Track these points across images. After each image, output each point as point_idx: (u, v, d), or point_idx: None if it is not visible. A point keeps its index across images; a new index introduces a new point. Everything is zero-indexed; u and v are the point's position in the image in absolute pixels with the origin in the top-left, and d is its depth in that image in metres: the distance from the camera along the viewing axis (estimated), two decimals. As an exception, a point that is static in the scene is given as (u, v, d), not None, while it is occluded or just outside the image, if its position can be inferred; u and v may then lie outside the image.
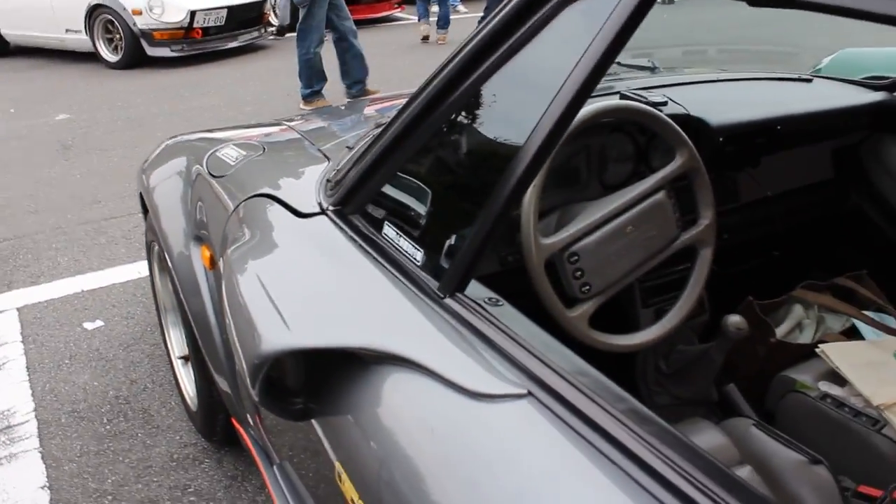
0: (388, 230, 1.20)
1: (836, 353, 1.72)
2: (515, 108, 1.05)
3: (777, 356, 1.85)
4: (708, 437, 1.24)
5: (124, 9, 7.86)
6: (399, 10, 10.89)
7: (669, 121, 1.51)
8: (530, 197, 1.35)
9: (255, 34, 8.97)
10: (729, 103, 1.91)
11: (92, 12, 8.08)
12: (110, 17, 7.98)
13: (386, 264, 1.15)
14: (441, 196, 1.14)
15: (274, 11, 9.62)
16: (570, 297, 1.42)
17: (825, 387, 1.68)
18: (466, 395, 0.88)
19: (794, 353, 1.82)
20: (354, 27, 6.18)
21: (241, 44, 8.77)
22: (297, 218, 1.38)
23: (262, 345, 1.01)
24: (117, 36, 8.07)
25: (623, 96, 1.67)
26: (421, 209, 1.15)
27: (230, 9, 8.37)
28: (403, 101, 1.22)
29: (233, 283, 1.18)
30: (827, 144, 2.11)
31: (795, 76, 2.14)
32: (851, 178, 2.16)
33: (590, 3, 0.93)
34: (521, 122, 0.97)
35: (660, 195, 1.50)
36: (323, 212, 1.36)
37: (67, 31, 8.39)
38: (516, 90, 1.05)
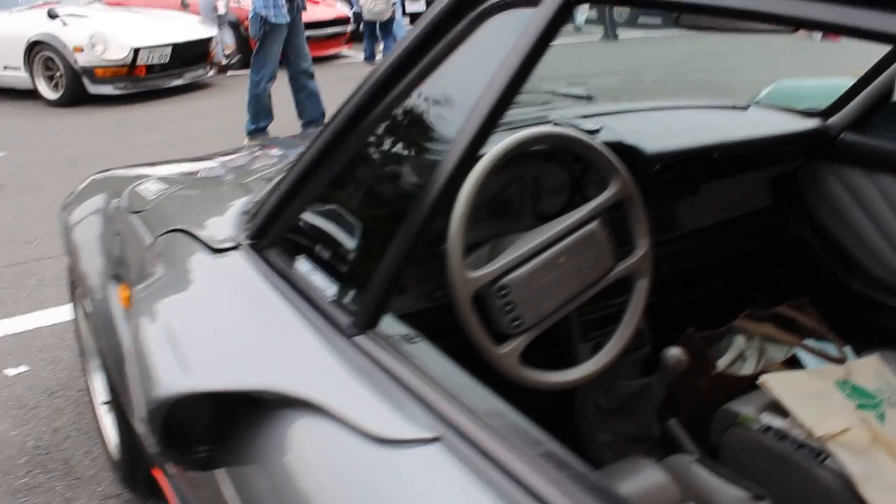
0: (302, 264, 1.13)
1: (778, 384, 1.69)
2: (430, 129, 1.00)
3: (719, 389, 1.81)
4: (649, 477, 1.19)
5: (65, 46, 7.69)
6: (347, 47, 10.91)
7: (602, 148, 1.47)
8: (456, 228, 1.29)
9: (201, 72, 8.85)
10: (664, 131, 1.89)
11: (31, 49, 7.89)
12: (50, 54, 7.80)
13: (297, 300, 1.08)
14: (355, 226, 1.07)
15: (221, 50, 9.54)
16: (500, 333, 1.36)
17: (767, 419, 1.64)
18: (373, 440, 0.81)
19: (736, 384, 1.78)
20: (312, 68, 6.17)
21: (186, 81, 8.64)
22: (210, 254, 1.30)
23: (158, 388, 0.94)
24: (58, 73, 7.88)
25: (557, 125, 1.63)
26: (335, 241, 1.09)
27: (175, 46, 8.26)
28: None
29: (136, 324, 1.10)
30: (764, 172, 2.10)
31: (731, 105, 2.14)
32: (790, 205, 2.16)
33: (504, 18, 0.88)
34: (436, 143, 0.92)
35: (593, 225, 1.45)
36: (236, 247, 1.28)
37: (5, 67, 8.16)
38: (432, 110, 1.00)
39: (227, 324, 1.08)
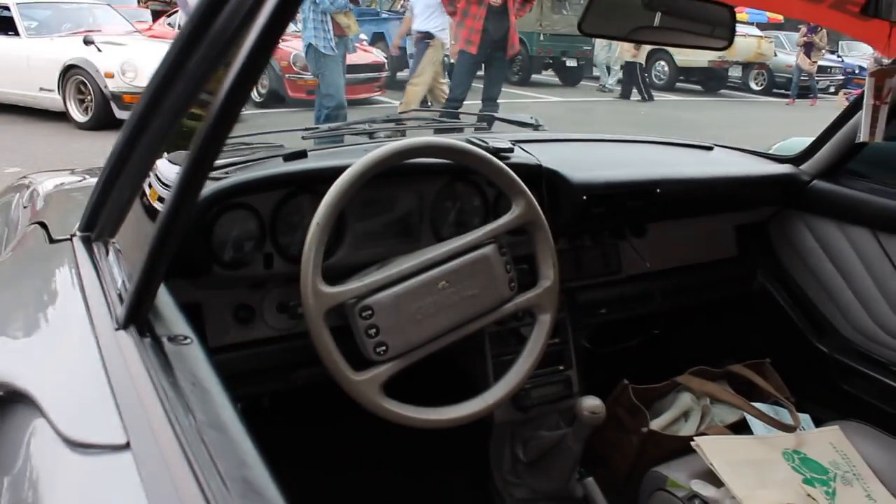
0: (112, 254, 1.00)
1: (713, 448, 1.52)
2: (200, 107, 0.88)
3: (652, 448, 1.63)
4: None
5: (97, 70, 7.83)
6: (380, 93, 10.98)
7: (500, 165, 1.32)
8: (313, 237, 1.16)
9: (231, 105, 8.95)
10: (604, 162, 1.74)
11: (66, 72, 8.07)
12: (83, 78, 7.96)
13: (95, 291, 0.95)
14: (145, 214, 0.95)
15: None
16: (365, 360, 1.21)
17: (698, 486, 1.47)
18: (63, 441, 0.70)
19: (673, 445, 1.60)
20: (345, 109, 6.26)
21: (213, 113, 8.74)
22: (47, 243, 1.19)
23: None
24: (88, 97, 8.02)
25: (469, 142, 1.49)
26: (136, 229, 0.96)
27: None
28: None
29: None
30: (728, 218, 1.94)
31: (695, 143, 1.98)
32: (758, 256, 1.98)
33: None
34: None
35: (487, 250, 1.30)
36: (70, 237, 1.16)
37: (41, 89, 8.35)
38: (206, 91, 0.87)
39: (10, 312, 0.96)
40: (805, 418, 1.70)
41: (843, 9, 1.51)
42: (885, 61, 1.56)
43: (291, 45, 10.20)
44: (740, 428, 1.68)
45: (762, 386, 1.76)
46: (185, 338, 0.83)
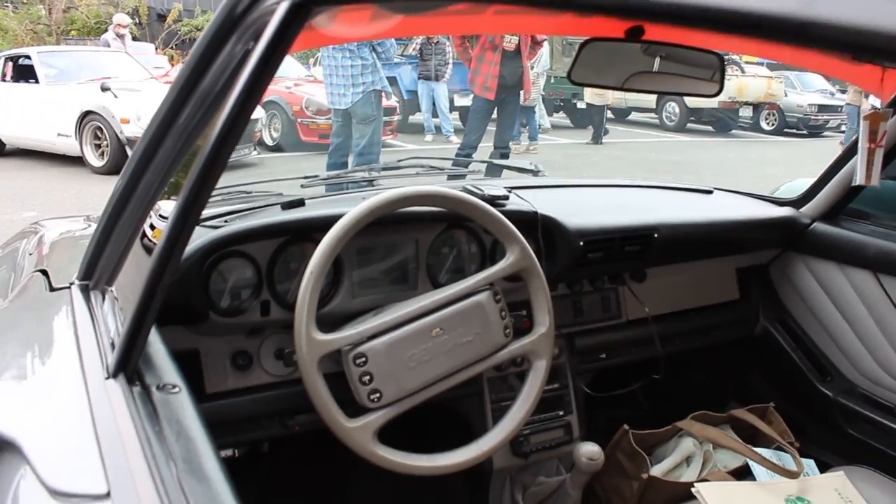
0: (106, 302, 1.02)
1: (714, 495, 1.50)
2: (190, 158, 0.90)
3: (652, 494, 1.61)
4: None
5: (113, 116, 7.97)
6: (392, 136, 11.09)
7: (495, 213, 1.33)
8: (308, 284, 1.17)
9: (245, 151, 9.06)
10: (601, 207, 1.75)
11: (83, 118, 8.21)
12: (99, 123, 8.10)
13: (90, 340, 0.96)
14: (139, 262, 0.97)
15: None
16: (359, 406, 1.21)
17: (699, 533, 1.44)
18: (47, 491, 0.70)
19: (671, 491, 1.58)
20: None
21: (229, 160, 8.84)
22: (48, 291, 1.21)
23: None
24: (105, 142, 8.16)
25: (466, 190, 1.51)
26: (132, 279, 0.98)
27: (220, 125, 8.50)
28: None
29: None
30: (729, 261, 1.93)
31: (694, 187, 1.99)
32: (760, 299, 1.98)
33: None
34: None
35: (481, 296, 1.31)
36: (69, 286, 1.18)
37: (59, 134, 8.49)
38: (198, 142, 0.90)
39: (3, 360, 0.97)
40: (809, 463, 1.68)
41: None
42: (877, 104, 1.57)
43: (304, 89, 10.37)
44: (743, 474, 1.66)
45: (765, 431, 1.74)
46: (174, 386, 0.84)
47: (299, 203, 1.43)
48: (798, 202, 1.90)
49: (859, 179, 1.55)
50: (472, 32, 5.85)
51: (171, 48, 16.55)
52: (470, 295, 1.31)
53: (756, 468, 1.65)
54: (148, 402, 0.79)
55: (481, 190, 1.48)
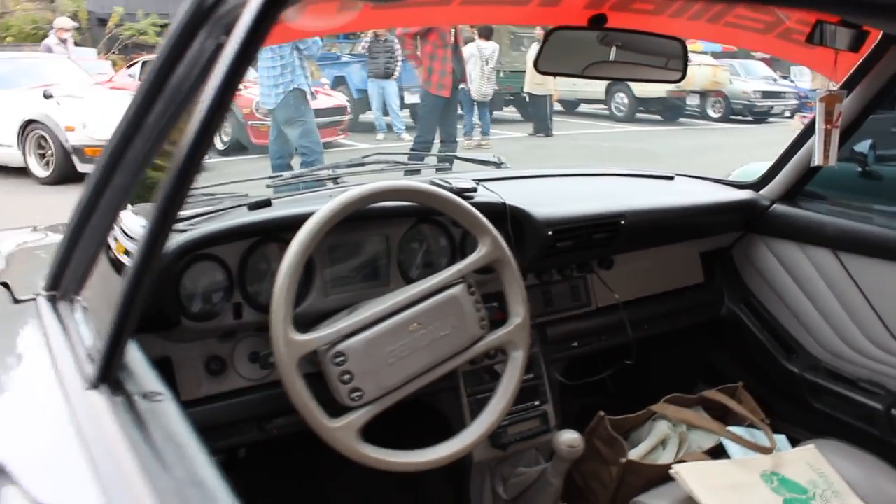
0: (77, 312, 0.99)
1: (693, 475, 1.52)
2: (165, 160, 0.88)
3: (631, 478, 1.63)
4: None
5: (57, 125, 7.76)
6: (343, 136, 11.03)
7: (465, 205, 1.33)
8: (282, 284, 1.16)
9: (196, 154, 8.92)
10: (567, 196, 1.76)
11: (25, 127, 7.99)
12: (43, 132, 7.89)
13: (62, 353, 0.93)
14: (111, 268, 0.94)
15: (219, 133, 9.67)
16: (340, 406, 1.20)
17: (679, 513, 1.46)
18: None
19: (649, 474, 1.60)
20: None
21: (178, 163, 8.70)
22: (12, 304, 1.17)
23: None
24: (49, 151, 7.95)
25: (433, 183, 1.51)
26: (106, 284, 0.95)
27: (169, 127, 8.35)
28: None
29: None
30: (693, 245, 1.96)
31: (655, 173, 2.01)
32: (724, 282, 2.01)
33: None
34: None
35: (456, 290, 1.31)
36: (34, 297, 1.15)
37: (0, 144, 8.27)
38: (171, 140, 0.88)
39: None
40: (780, 439, 1.71)
41: (789, 38, 1.56)
42: (833, 86, 1.61)
43: (253, 91, 10.24)
44: (718, 453, 1.69)
45: (736, 409, 1.77)
46: (159, 394, 0.82)
47: (266, 203, 1.41)
48: (757, 185, 1.94)
49: (818, 160, 1.59)
50: (439, 24, 5.80)
51: (114, 53, 16.19)
52: (445, 288, 1.31)
53: (731, 446, 1.68)
54: (133, 412, 0.77)
55: (449, 183, 1.48)
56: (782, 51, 1.66)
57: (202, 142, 0.69)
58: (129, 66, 12.89)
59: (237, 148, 9.70)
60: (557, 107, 14.44)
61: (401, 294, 1.28)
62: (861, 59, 1.60)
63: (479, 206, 1.37)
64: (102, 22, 17.75)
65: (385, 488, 1.52)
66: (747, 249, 1.96)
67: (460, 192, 1.43)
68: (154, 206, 0.73)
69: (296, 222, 1.22)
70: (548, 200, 1.64)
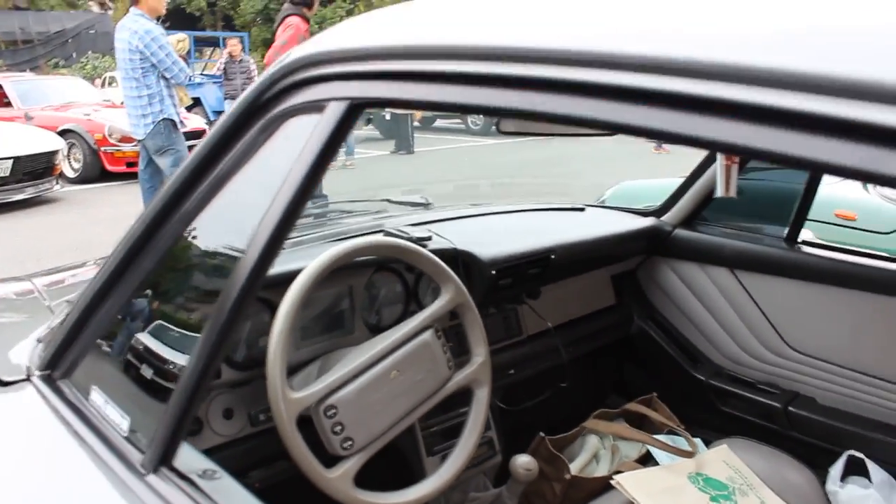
0: (96, 395, 1.00)
1: (632, 483, 1.65)
2: (223, 246, 0.92)
3: (574, 492, 1.76)
4: None
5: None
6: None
7: (431, 256, 1.42)
8: (276, 346, 1.20)
9: (46, 186, 8.42)
10: (500, 235, 1.88)
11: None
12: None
13: (90, 438, 0.94)
14: (148, 351, 0.96)
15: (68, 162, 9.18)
16: (332, 456, 1.26)
17: (624, 521, 1.60)
18: None
19: (591, 486, 1.73)
20: None
21: (29, 196, 8.18)
22: None
23: None
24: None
25: (387, 234, 1.59)
26: (131, 368, 0.97)
27: (16, 159, 7.85)
28: None
29: None
30: (605, 271, 2.14)
31: (568, 206, 2.18)
32: (633, 302, 2.19)
33: (294, 126, 0.83)
34: (228, 261, 0.84)
35: (426, 335, 1.40)
36: (28, 378, 1.13)
37: None
38: (225, 225, 0.92)
39: (8, 468, 0.93)
40: (697, 442, 1.90)
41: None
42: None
43: (103, 115, 9.78)
44: (646, 460, 1.85)
45: (655, 418, 1.94)
46: (215, 472, 0.85)
47: None
48: (659, 212, 2.14)
49: (720, 192, 1.79)
50: None
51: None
52: (417, 334, 1.38)
53: (657, 453, 1.84)
54: (201, 492, 0.80)
55: (406, 233, 1.56)
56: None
57: (281, 233, 0.74)
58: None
59: (93, 178, 9.25)
60: (415, 123, 14.68)
61: (378, 343, 1.35)
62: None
63: (436, 253, 1.46)
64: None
65: None
66: (651, 271, 2.16)
67: (418, 241, 1.52)
68: (230, 292, 0.77)
69: (274, 281, 1.26)
70: (486, 240, 1.76)
